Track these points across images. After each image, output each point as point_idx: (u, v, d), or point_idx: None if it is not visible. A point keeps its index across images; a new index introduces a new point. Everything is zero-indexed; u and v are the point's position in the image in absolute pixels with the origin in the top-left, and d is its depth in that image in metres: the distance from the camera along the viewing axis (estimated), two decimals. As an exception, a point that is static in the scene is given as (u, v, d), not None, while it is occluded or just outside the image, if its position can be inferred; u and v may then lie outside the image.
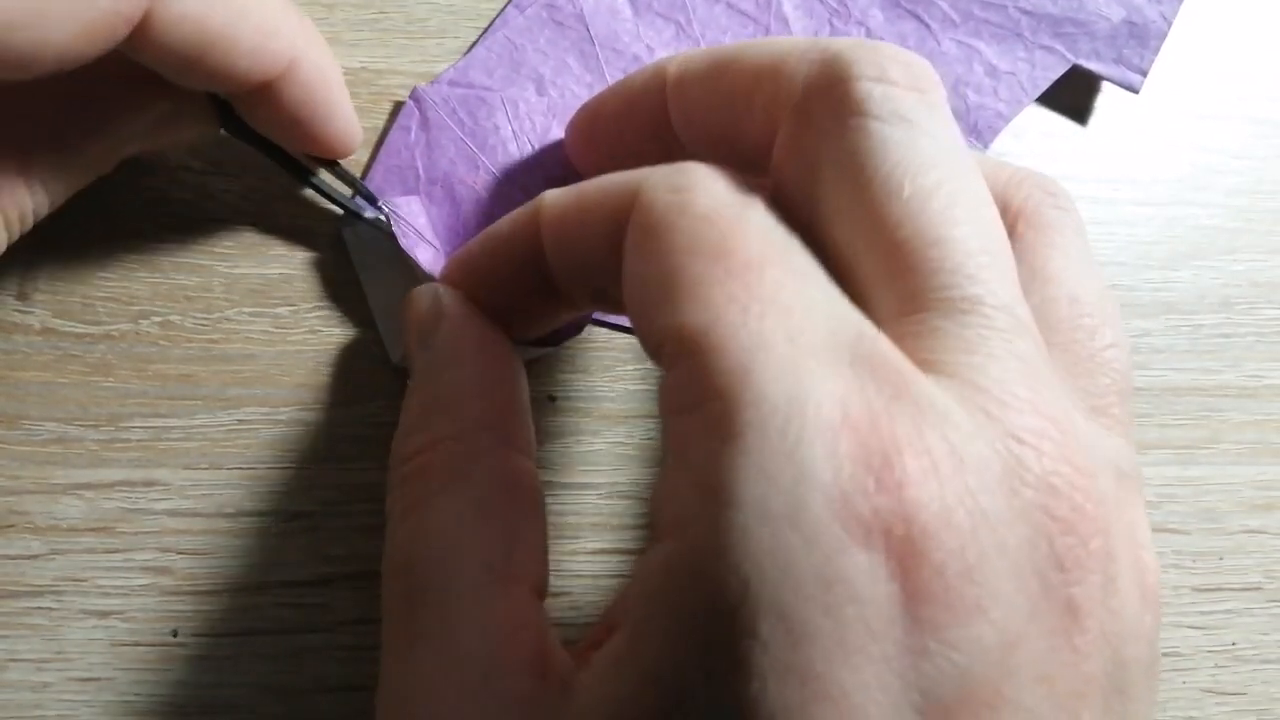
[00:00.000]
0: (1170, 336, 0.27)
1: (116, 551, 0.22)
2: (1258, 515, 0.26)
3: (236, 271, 0.23)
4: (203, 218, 0.24)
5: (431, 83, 0.25)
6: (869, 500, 0.13)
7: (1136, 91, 0.27)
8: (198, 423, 0.23)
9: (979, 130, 0.26)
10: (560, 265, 0.18)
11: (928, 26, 0.27)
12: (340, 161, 0.23)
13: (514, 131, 0.24)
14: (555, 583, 0.23)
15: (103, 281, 0.23)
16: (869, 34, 0.26)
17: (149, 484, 0.22)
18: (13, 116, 0.19)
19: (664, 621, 0.13)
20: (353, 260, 0.24)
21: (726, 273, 0.14)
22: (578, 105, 0.23)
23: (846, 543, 0.12)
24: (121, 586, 0.22)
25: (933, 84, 0.17)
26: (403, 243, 0.23)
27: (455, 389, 0.19)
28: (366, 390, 0.23)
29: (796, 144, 0.17)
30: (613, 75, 0.25)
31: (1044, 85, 0.27)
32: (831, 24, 0.26)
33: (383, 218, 0.23)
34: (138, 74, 0.20)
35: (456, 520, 0.17)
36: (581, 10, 0.25)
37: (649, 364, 0.24)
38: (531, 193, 0.20)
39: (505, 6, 0.26)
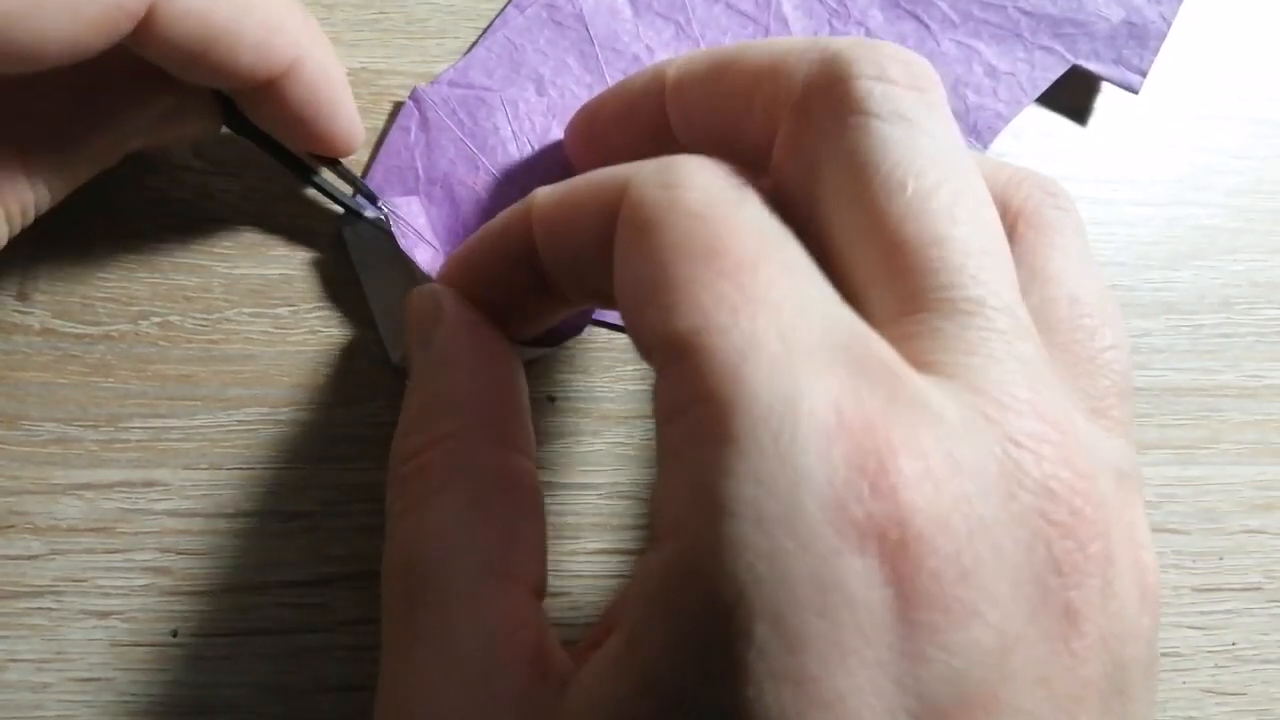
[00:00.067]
0: (1170, 336, 0.27)
1: (116, 552, 0.22)
2: (1258, 515, 0.26)
3: (236, 271, 0.23)
4: (203, 218, 0.24)
5: (431, 83, 0.25)
6: (863, 504, 0.13)
7: (1136, 92, 0.27)
8: (197, 423, 0.23)
9: (978, 131, 0.26)
10: (553, 263, 0.18)
11: (927, 27, 0.27)
12: (341, 160, 0.23)
13: (514, 132, 0.24)
14: (555, 583, 0.23)
15: (103, 281, 0.23)
16: (868, 34, 0.26)
17: (149, 484, 0.22)
18: (16, 110, 0.19)
19: (662, 623, 0.13)
20: (353, 260, 0.24)
21: (718, 273, 0.14)
22: (577, 105, 0.23)
23: (841, 547, 0.12)
24: (121, 586, 0.22)
25: (933, 83, 0.17)
26: (402, 243, 0.23)
27: (455, 389, 0.19)
28: (366, 390, 0.23)
29: (796, 143, 0.17)
30: (612, 75, 0.25)
31: (1043, 86, 0.27)
32: (831, 24, 0.26)
33: (384, 217, 0.23)
34: (142, 69, 0.20)
35: (456, 520, 0.17)
36: (581, 10, 0.25)
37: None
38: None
39: (505, 6, 0.26)
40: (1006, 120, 0.26)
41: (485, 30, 0.25)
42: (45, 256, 0.23)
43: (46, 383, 0.22)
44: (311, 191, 0.24)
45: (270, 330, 0.23)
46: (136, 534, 0.22)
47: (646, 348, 0.15)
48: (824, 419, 0.13)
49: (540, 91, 0.25)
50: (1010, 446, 0.14)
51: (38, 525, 0.22)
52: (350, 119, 0.22)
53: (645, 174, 0.16)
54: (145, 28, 0.18)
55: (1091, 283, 0.19)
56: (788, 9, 0.26)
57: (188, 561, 0.22)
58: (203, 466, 0.22)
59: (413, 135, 0.24)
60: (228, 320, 0.23)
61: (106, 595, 0.22)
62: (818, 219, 0.16)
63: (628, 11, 0.26)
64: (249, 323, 0.23)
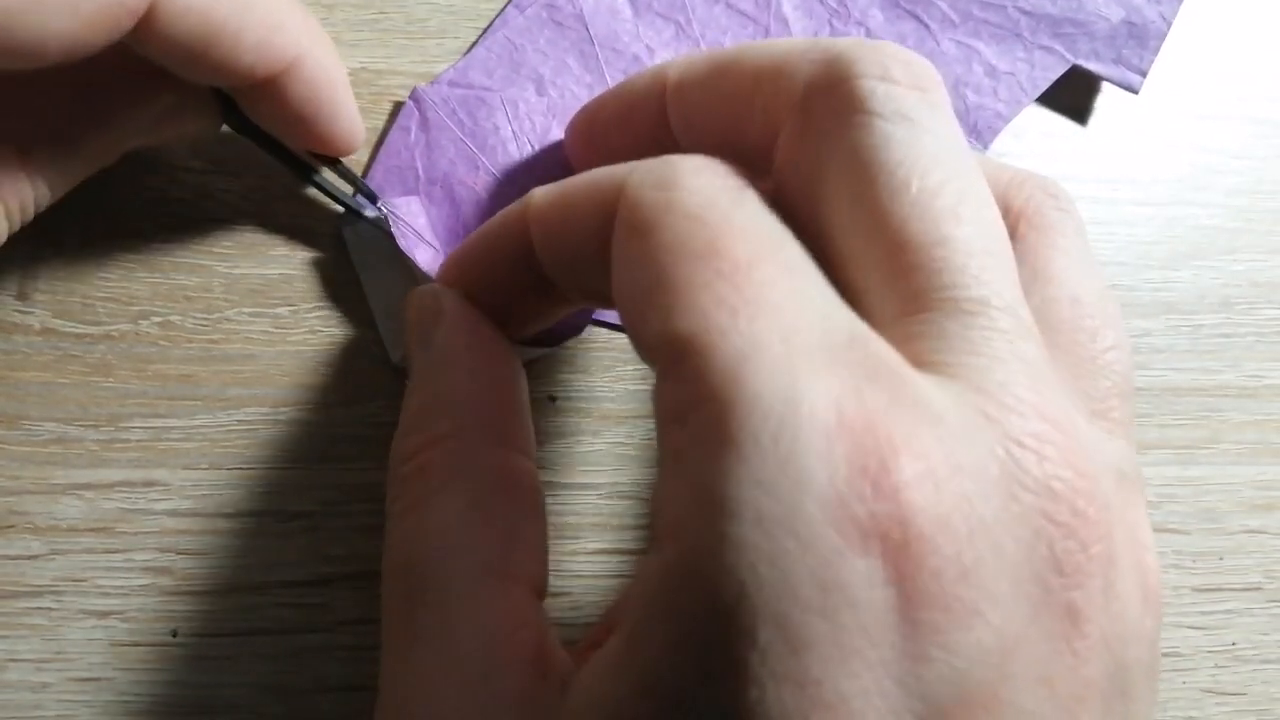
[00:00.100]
0: (1170, 336, 0.27)
1: (116, 551, 0.22)
2: (1258, 515, 0.26)
3: (236, 271, 0.23)
4: (203, 218, 0.24)
5: (431, 83, 0.25)
6: (865, 505, 0.13)
7: (1136, 92, 0.27)
8: (198, 423, 0.23)
9: (979, 130, 0.26)
10: (550, 263, 0.18)
11: (927, 27, 0.27)
12: (341, 160, 0.23)
13: (514, 132, 0.24)
14: (555, 583, 0.23)
15: (103, 281, 0.23)
16: (868, 34, 0.26)
17: (149, 484, 0.22)
18: (16, 107, 0.19)
19: (663, 624, 0.13)
20: (353, 260, 0.24)
21: (716, 274, 0.14)
22: (577, 105, 0.23)
23: (842, 548, 0.12)
24: (121, 586, 0.22)
25: (934, 83, 0.17)
26: (401, 243, 0.23)
27: (455, 389, 0.19)
28: (366, 390, 0.23)
29: (798, 144, 0.17)
30: (612, 75, 0.25)
31: (1043, 85, 0.27)
32: (831, 24, 0.26)
33: (384, 216, 0.23)
34: (142, 67, 0.20)
35: (456, 520, 0.17)
36: (581, 10, 0.25)
37: (649, 364, 0.24)
38: (531, 193, 0.20)
39: (505, 6, 0.26)
40: (1006, 120, 0.26)
41: (485, 30, 0.25)
42: (45, 256, 0.23)
43: (47, 382, 0.22)
44: (311, 191, 0.24)
45: (270, 330, 0.23)
46: (136, 534, 0.22)
47: (646, 349, 0.15)
48: (825, 419, 0.13)
49: (540, 91, 0.25)
50: (1012, 447, 0.14)
51: (38, 525, 0.22)
52: (351, 118, 0.22)
53: (641, 175, 0.16)
54: (146, 25, 0.18)
55: (1093, 283, 0.19)
56: (788, 9, 0.26)
57: (188, 561, 0.22)
58: (203, 466, 0.22)
59: (413, 135, 0.24)
60: (228, 320, 0.23)
61: (106, 595, 0.22)
62: (819, 219, 0.16)
63: (628, 11, 0.26)
64: (249, 322, 0.23)
